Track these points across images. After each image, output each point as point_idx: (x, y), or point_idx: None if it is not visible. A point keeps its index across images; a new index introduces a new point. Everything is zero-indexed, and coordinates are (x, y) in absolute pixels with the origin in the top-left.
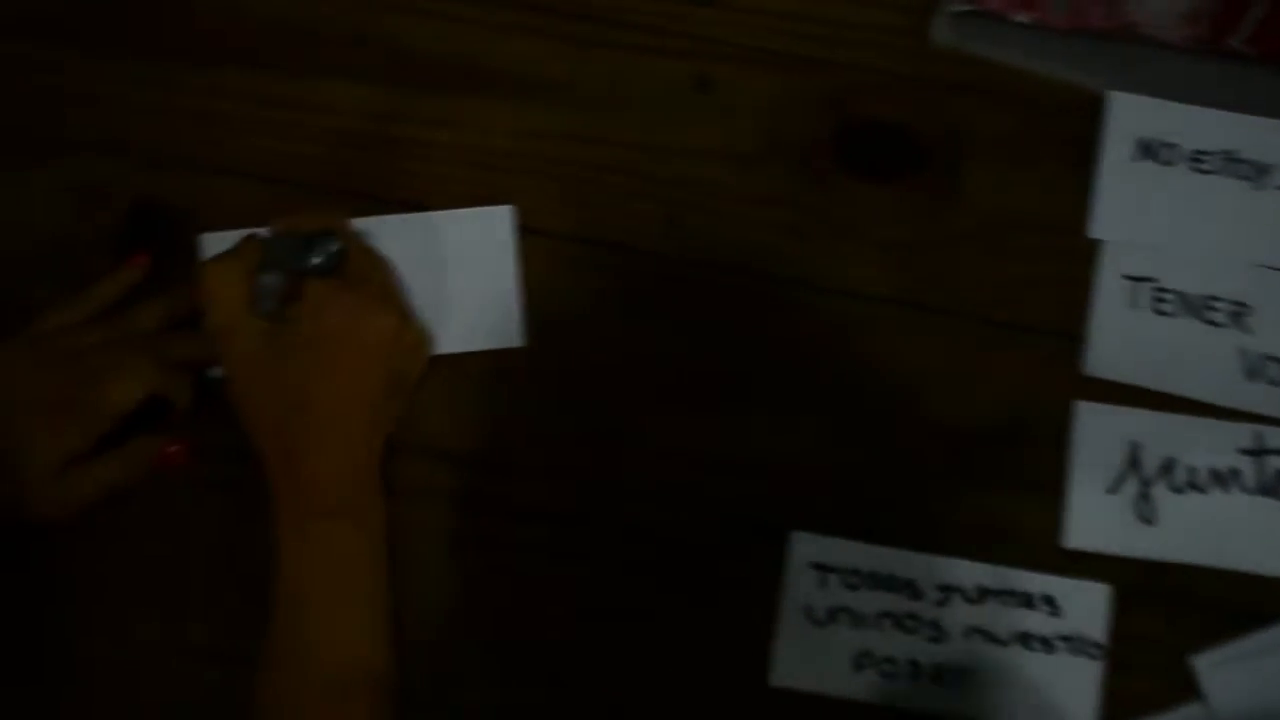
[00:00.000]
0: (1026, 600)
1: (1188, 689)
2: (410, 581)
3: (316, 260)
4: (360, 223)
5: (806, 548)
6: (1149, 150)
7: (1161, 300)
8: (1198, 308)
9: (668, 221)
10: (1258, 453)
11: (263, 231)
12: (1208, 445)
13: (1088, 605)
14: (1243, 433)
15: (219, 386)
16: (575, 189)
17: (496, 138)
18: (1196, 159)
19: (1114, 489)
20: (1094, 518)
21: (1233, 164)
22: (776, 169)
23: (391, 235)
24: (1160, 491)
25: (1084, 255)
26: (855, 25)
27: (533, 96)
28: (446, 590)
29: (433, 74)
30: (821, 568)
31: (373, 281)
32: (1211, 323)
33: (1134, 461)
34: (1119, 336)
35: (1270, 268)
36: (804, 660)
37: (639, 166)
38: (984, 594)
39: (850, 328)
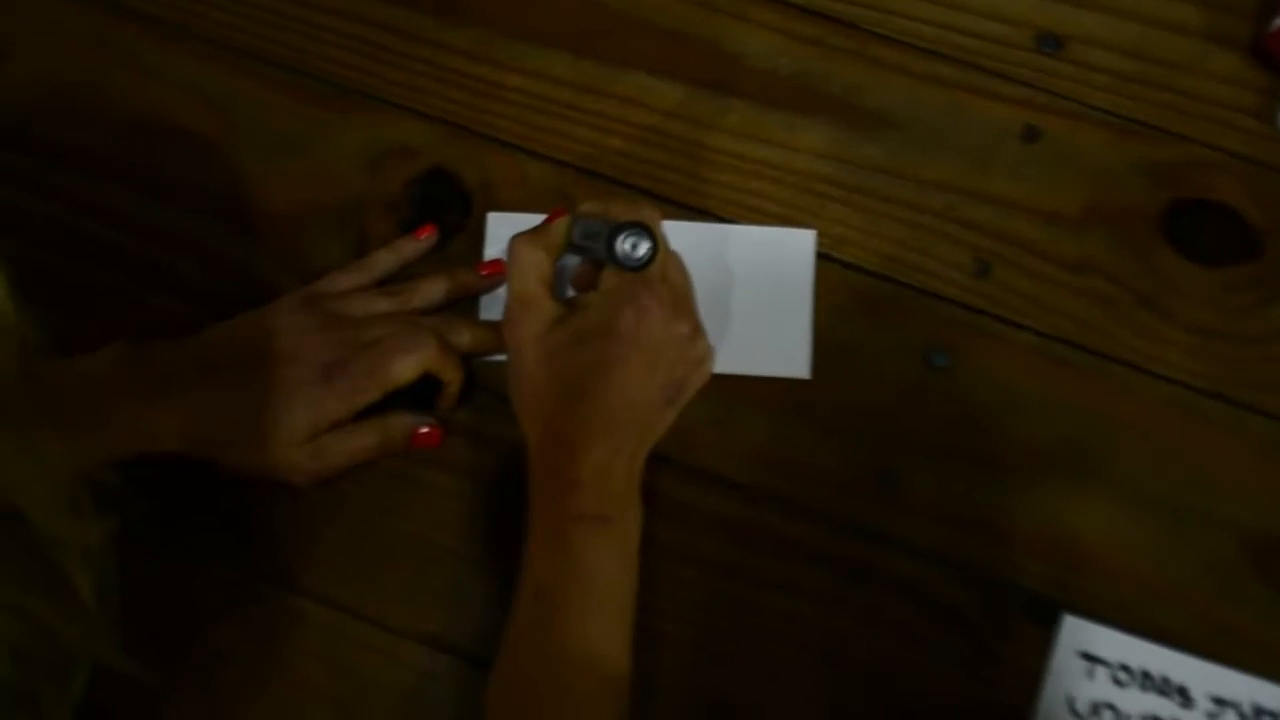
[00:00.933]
0: None
1: None
2: (658, 600)
3: (625, 251)
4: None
5: (1077, 634)
6: None
7: None
8: None
9: (976, 272)
10: None
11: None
12: None
13: None
14: None
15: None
16: (881, 223)
17: (807, 159)
18: None
19: None
20: None
21: None
22: (1097, 234)
23: (688, 241)
24: None
25: None
26: (1200, 98)
27: (853, 123)
28: (694, 616)
29: (754, 85)
30: (1090, 658)
31: (672, 285)
32: None
33: None
34: None
35: None
36: None
37: (952, 210)
38: (1260, 714)
39: (1148, 408)
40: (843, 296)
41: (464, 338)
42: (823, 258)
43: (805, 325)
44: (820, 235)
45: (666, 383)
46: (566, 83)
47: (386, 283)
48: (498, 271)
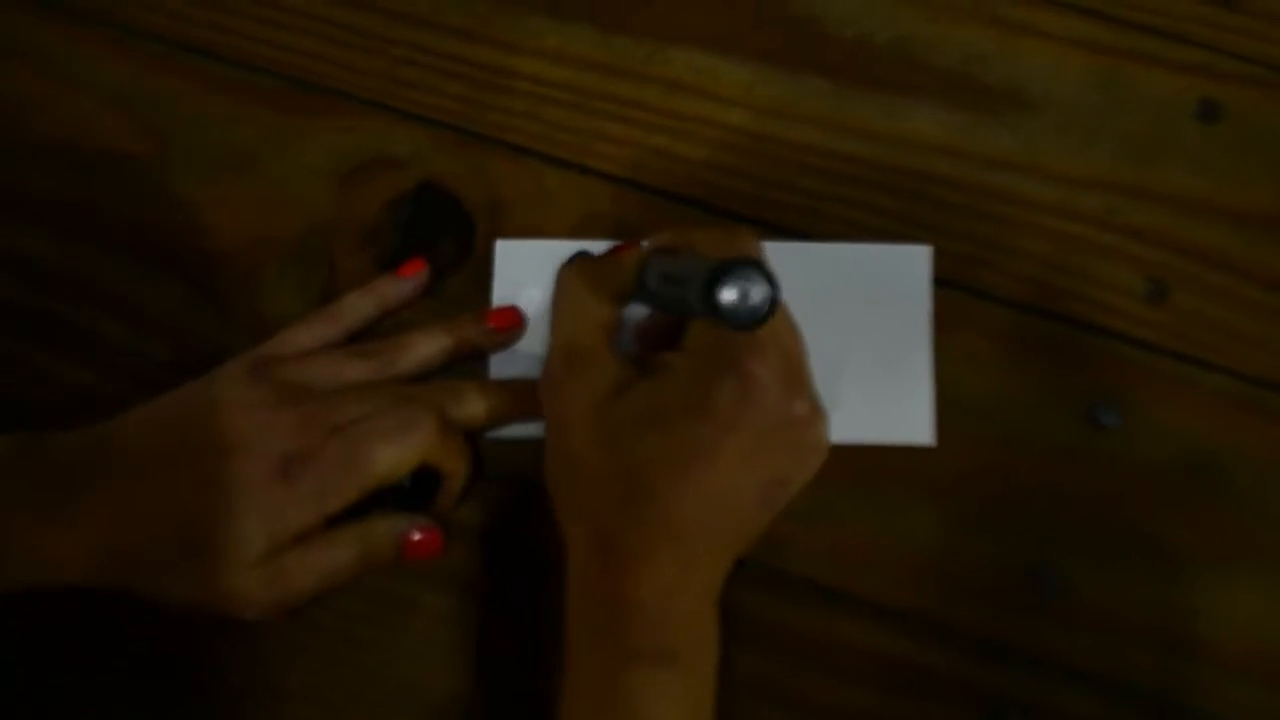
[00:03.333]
0: None
1: None
2: None
3: (732, 302)
4: None
5: None
6: None
7: None
8: None
9: (1148, 296)
10: None
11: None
12: None
13: None
14: None
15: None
16: (1019, 236)
17: (915, 154)
18: None
19: None
20: None
21: None
22: None
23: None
24: None
25: None
26: None
27: (974, 105)
28: None
29: (840, 58)
30: None
31: (783, 347)
32: None
33: None
34: None
35: None
36: None
37: (1112, 216)
38: None
39: None
40: (973, 336)
41: (472, 410)
42: (944, 284)
43: (924, 374)
44: (939, 254)
45: (767, 479)
46: (595, 66)
47: (362, 338)
48: (511, 324)
